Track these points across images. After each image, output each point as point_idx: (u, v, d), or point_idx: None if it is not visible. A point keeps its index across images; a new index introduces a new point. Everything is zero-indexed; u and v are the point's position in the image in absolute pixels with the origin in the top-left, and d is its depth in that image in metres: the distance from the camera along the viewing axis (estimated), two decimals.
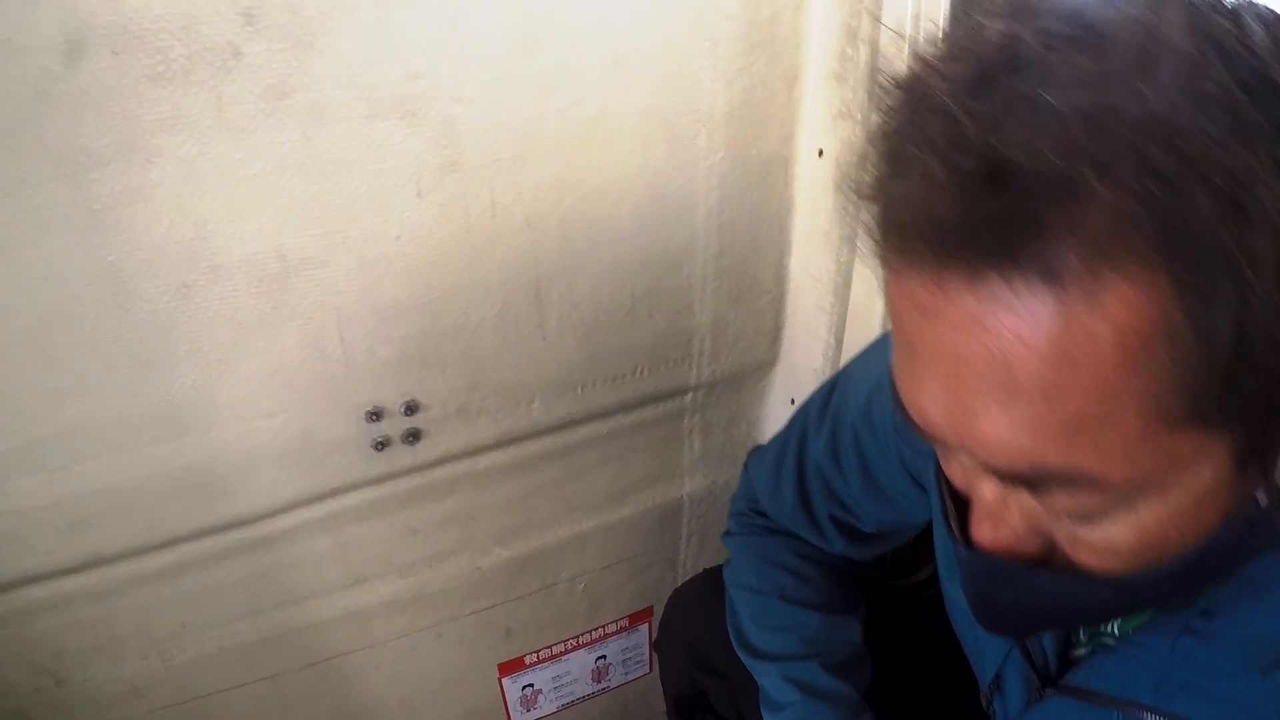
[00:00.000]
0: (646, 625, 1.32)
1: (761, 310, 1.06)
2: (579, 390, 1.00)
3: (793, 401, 1.13)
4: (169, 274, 0.75)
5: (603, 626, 1.28)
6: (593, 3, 0.77)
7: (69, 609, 0.90)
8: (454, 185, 0.80)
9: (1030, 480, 0.39)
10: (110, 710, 0.99)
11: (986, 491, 0.44)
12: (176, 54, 0.66)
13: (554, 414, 1.00)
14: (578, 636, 1.27)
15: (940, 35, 0.40)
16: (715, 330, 1.04)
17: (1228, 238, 0.31)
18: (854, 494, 0.75)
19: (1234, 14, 0.33)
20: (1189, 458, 0.37)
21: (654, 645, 1.04)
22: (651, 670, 1.38)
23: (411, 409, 0.91)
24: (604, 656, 1.32)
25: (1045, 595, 0.46)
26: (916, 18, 0.79)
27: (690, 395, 1.10)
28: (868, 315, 0.97)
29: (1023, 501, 0.43)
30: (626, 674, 1.36)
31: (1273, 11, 0.34)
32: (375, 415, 0.89)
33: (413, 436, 0.93)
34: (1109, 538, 0.41)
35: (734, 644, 0.82)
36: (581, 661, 1.30)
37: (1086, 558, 0.43)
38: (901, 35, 0.79)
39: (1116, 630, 0.55)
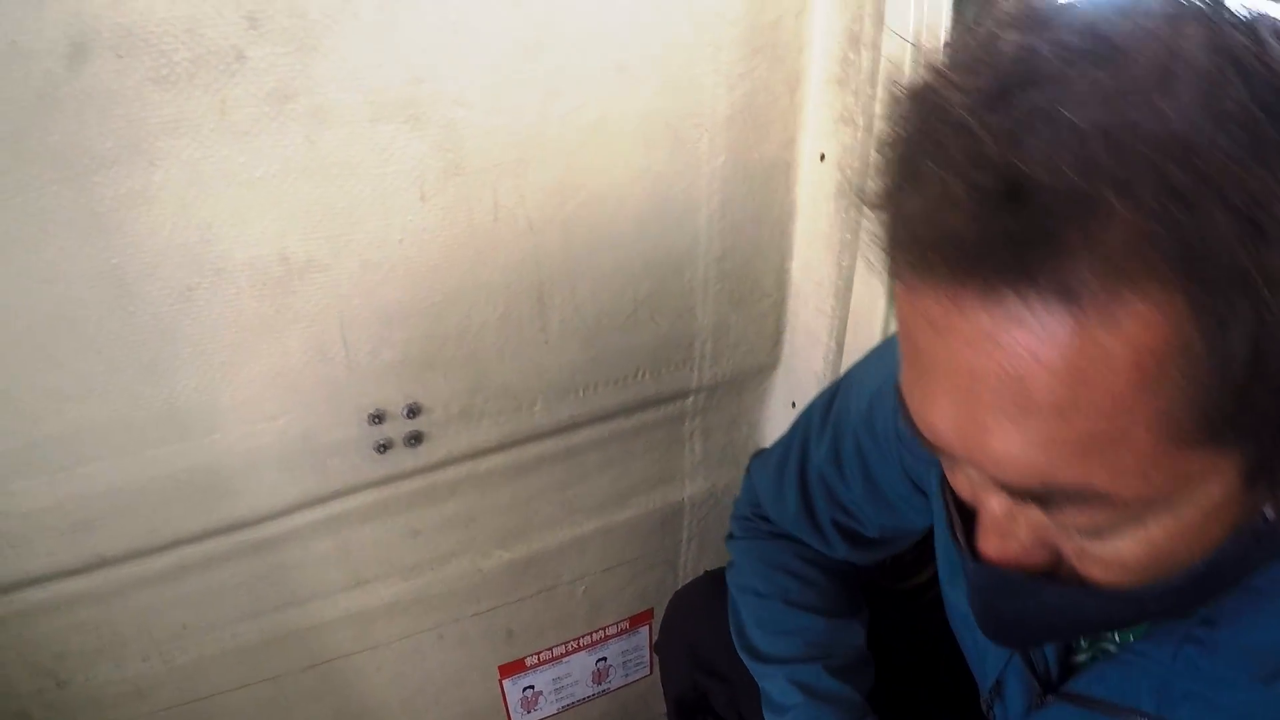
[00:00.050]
0: (647, 627, 1.33)
1: (763, 314, 1.06)
2: (580, 393, 1.00)
3: (794, 405, 1.13)
4: (172, 277, 0.75)
5: (603, 628, 1.28)
6: (595, 7, 0.77)
7: (71, 610, 0.90)
8: (457, 189, 0.80)
9: (1041, 496, 0.39)
10: (112, 711, 0.99)
11: (994, 505, 0.44)
12: (180, 57, 0.66)
13: (556, 417, 1.00)
14: (578, 638, 1.27)
15: (944, 42, 0.40)
16: (717, 334, 1.04)
17: (1245, 257, 0.31)
18: (856, 499, 0.76)
19: (1251, 29, 0.33)
20: (1200, 475, 0.37)
21: (655, 647, 1.04)
22: (652, 672, 1.38)
23: (414, 412, 0.91)
24: (604, 658, 1.32)
25: (1051, 607, 0.45)
26: (919, 23, 0.79)
27: (691, 398, 1.10)
28: (869, 319, 0.97)
29: (1031, 515, 0.43)
30: (627, 676, 1.37)
31: None
32: (377, 418, 0.90)
33: (415, 439, 0.93)
34: (1117, 552, 0.41)
35: (737, 647, 0.82)
36: (582, 663, 1.30)
37: (1094, 571, 0.43)
38: (905, 40, 0.79)
39: (1118, 638, 0.55)
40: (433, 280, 0.84)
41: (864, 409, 0.71)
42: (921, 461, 0.67)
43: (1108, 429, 0.35)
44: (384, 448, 0.92)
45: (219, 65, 0.67)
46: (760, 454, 0.88)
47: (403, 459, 0.94)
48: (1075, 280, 0.32)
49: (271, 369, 0.83)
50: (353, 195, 0.77)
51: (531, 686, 1.28)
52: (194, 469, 0.85)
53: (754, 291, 1.03)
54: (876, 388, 0.70)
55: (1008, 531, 0.44)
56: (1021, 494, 0.39)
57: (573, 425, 1.02)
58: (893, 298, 0.93)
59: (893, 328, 0.94)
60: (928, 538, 0.73)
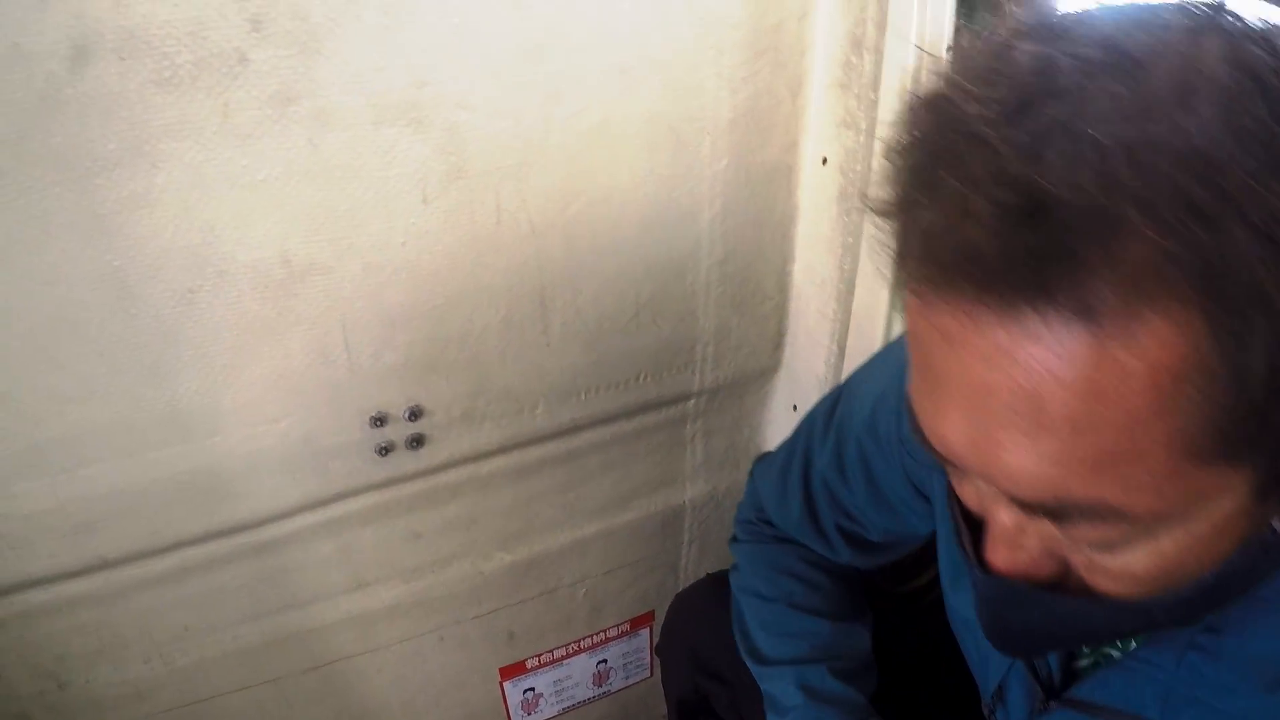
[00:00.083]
0: (648, 629, 1.33)
1: (764, 317, 1.06)
2: (582, 396, 1.00)
3: (795, 408, 1.13)
4: (174, 279, 0.75)
5: (604, 631, 1.28)
6: (597, 11, 0.77)
7: (72, 612, 0.90)
8: (459, 192, 0.80)
9: (1053, 510, 0.39)
10: (113, 713, 0.99)
11: (1004, 517, 0.43)
12: (183, 60, 0.66)
13: (557, 419, 1.00)
14: (579, 641, 1.27)
15: (947, 47, 0.40)
16: (718, 336, 1.04)
17: (1265, 275, 0.31)
18: (860, 504, 0.75)
19: (1269, 43, 0.32)
20: (1213, 490, 0.37)
21: (656, 649, 1.04)
22: (652, 674, 1.38)
23: (415, 414, 0.91)
24: (605, 660, 1.32)
25: (1059, 618, 0.45)
26: (922, 28, 0.78)
27: (693, 401, 1.10)
28: (870, 322, 0.97)
29: (1041, 528, 0.43)
30: (627, 678, 1.37)
31: None
32: (379, 420, 0.90)
33: (416, 442, 0.93)
34: (1127, 564, 0.41)
35: (740, 650, 0.82)
36: (583, 665, 1.30)
37: (1103, 582, 0.43)
38: (907, 44, 0.79)
39: (1121, 644, 0.55)
40: (435, 283, 0.84)
41: (867, 414, 0.71)
42: (924, 467, 0.67)
43: (1123, 446, 0.34)
44: (386, 450, 0.92)
45: (222, 68, 0.67)
46: (763, 458, 0.88)
47: (404, 461, 0.94)
48: (1095, 298, 0.32)
49: (273, 371, 0.83)
50: (355, 198, 0.77)
51: (532, 689, 1.28)
52: (195, 471, 0.85)
53: (756, 295, 1.03)
54: (879, 393, 0.70)
55: (1017, 543, 0.43)
56: (1034, 508, 0.39)
57: (574, 428, 1.02)
58: (895, 302, 0.94)
59: (894, 331, 0.94)
60: (929, 541, 0.73)
